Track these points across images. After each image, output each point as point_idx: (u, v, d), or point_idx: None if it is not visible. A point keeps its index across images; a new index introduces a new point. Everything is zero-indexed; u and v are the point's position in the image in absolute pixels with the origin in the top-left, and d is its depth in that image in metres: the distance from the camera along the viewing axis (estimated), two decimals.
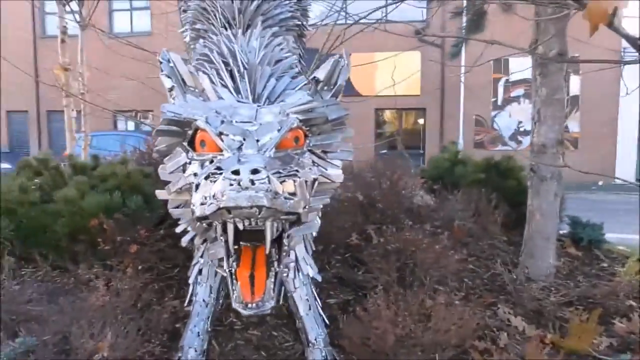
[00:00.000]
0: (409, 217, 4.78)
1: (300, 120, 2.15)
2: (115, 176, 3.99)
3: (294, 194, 1.82)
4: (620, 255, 5.02)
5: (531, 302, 3.80)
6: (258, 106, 2.17)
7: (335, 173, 2.29)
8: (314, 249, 3.48)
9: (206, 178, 1.82)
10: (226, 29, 3.20)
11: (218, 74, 2.41)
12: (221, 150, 1.98)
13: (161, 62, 2.37)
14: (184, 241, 2.85)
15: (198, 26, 3.56)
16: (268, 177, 1.70)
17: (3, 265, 3.84)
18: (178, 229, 2.88)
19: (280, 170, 1.87)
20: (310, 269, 3.29)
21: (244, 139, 1.97)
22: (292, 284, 3.22)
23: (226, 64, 2.50)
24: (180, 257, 3.88)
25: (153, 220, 3.95)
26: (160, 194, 2.25)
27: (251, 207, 1.66)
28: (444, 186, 5.21)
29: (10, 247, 3.91)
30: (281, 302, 3.58)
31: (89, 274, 3.64)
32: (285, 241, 2.05)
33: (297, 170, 1.95)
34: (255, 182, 1.67)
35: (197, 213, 1.81)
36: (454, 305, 3.38)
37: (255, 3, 3.36)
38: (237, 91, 2.33)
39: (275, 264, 2.06)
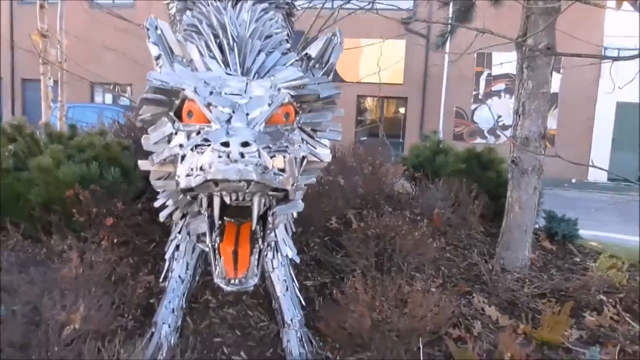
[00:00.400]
0: (389, 204, 4.80)
1: (292, 96, 2.10)
2: (92, 147, 3.87)
3: (283, 170, 1.77)
4: (593, 251, 5.12)
5: (505, 293, 3.85)
6: (248, 79, 2.12)
7: (324, 152, 2.25)
8: (294, 230, 3.46)
9: (192, 149, 1.77)
10: (216, 2, 3.12)
11: (207, 45, 2.33)
12: (209, 122, 1.92)
13: (148, 29, 2.29)
14: (162, 216, 2.79)
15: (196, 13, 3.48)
16: (258, 150, 1.66)
17: None
18: (156, 203, 2.82)
19: (270, 145, 1.82)
20: (289, 250, 3.26)
21: (233, 112, 1.92)
22: (271, 264, 3.19)
23: (215, 36, 2.43)
24: (157, 232, 3.81)
25: (130, 194, 3.86)
26: (143, 164, 2.17)
27: (240, 180, 1.61)
28: (424, 175, 5.22)
29: None
30: (259, 282, 3.57)
31: (62, 245, 3.54)
32: (270, 219, 2.01)
33: (286, 147, 1.91)
34: (245, 155, 1.62)
35: (182, 185, 1.76)
36: (431, 292, 3.40)
37: None
38: (226, 64, 2.26)
39: (260, 241, 2.03)
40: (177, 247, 3.13)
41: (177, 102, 2.06)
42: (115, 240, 3.55)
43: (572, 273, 4.40)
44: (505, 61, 16.50)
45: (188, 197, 1.87)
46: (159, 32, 2.27)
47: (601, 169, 3.85)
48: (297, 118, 2.18)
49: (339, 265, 3.82)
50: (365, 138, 16.13)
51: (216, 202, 1.79)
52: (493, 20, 5.90)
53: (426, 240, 3.80)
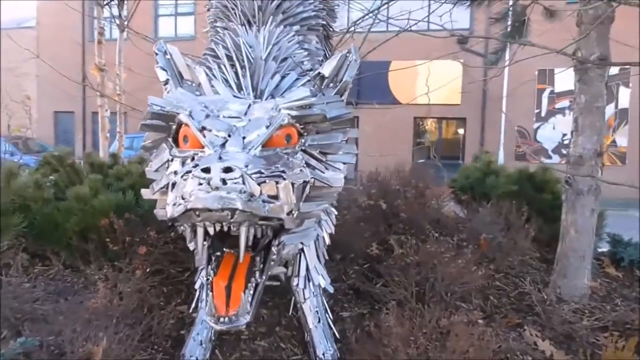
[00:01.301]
0: (435, 229, 4.55)
1: (294, 117, 1.98)
2: (130, 175, 3.91)
3: (275, 197, 1.65)
4: None
5: (561, 325, 3.51)
6: (253, 102, 2.02)
7: (334, 177, 2.08)
8: (326, 258, 3.31)
9: (182, 176, 1.67)
10: (245, 27, 3.07)
11: (220, 68, 2.26)
12: (204, 147, 1.83)
13: (157, 54, 2.25)
14: (190, 245, 2.72)
15: (218, 24, 3.46)
16: (242, 176, 1.54)
17: (16, 262, 3.80)
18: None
19: (263, 170, 1.70)
20: (321, 279, 3.11)
21: (229, 135, 1.82)
22: (302, 294, 3.05)
23: (229, 57, 2.36)
24: (191, 261, 3.74)
25: (166, 222, 3.85)
26: (146, 193, 2.11)
27: (222, 209, 1.50)
28: (473, 197, 4.95)
29: (23, 243, 3.86)
30: (291, 312, 3.43)
31: (99, 274, 3.56)
32: (274, 249, 1.88)
33: (282, 171, 1.78)
34: (227, 181, 1.51)
35: (168, 214, 1.67)
36: (476, 324, 3.14)
37: (275, 1, 3.23)
38: (239, 87, 2.18)
39: (257, 274, 1.89)
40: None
41: (175, 127, 1.99)
42: (148, 269, 3.53)
43: None
44: (568, 79, 15.94)
45: (179, 228, 1.77)
46: (167, 56, 2.22)
47: None
48: (302, 140, 2.05)
49: (378, 295, 3.61)
50: (422, 160, 15.78)
51: (199, 232, 1.68)
52: (549, 36, 5.61)
53: (470, 268, 3.55)
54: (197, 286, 3.13)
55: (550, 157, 16.87)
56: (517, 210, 4.42)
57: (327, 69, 2.27)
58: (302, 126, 2.03)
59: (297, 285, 3.03)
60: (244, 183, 1.53)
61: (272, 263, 1.90)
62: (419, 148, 17.44)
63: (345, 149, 2.18)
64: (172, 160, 1.97)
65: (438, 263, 3.56)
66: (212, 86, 2.12)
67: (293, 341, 3.34)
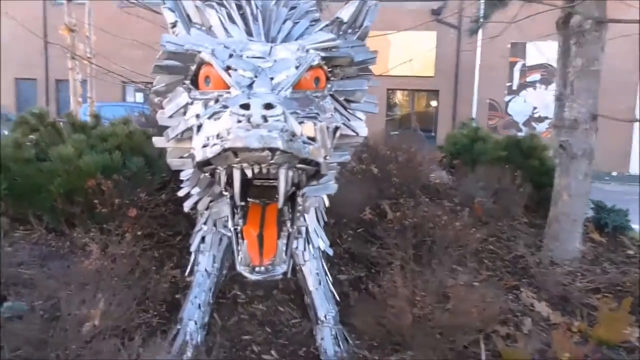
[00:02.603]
0: (426, 194, 4.53)
1: (322, 58, 1.86)
2: (115, 136, 3.73)
3: (313, 139, 1.52)
4: None
5: (556, 287, 3.54)
6: (272, 45, 1.89)
7: (360, 125, 1.99)
8: (325, 220, 3.23)
9: (210, 118, 1.53)
10: None
11: (229, 15, 2.12)
12: (228, 88, 1.69)
13: None
14: (187, 206, 2.60)
15: None
16: (284, 113, 1.41)
17: None
18: (180, 192, 2.64)
19: (298, 111, 1.57)
20: (321, 242, 3.04)
21: (256, 76, 1.68)
22: (302, 256, 2.97)
23: (238, 6, 2.21)
24: (182, 224, 3.65)
25: (155, 184, 3.71)
26: (158, 141, 1.96)
27: (263, 149, 1.38)
28: (459, 163, 4.93)
29: (3, 206, 3.66)
30: (289, 275, 3.36)
31: (85, 237, 3.40)
32: (299, 200, 1.77)
33: (317, 114, 1.65)
34: (268, 119, 1.38)
35: (198, 157, 1.52)
36: (475, 286, 3.14)
37: None
38: (250, 34, 2.05)
39: (288, 223, 1.78)
40: (203, 239, 2.93)
41: (193, 67, 1.84)
42: (139, 233, 3.39)
43: (628, 266, 4.06)
44: (539, 53, 16.07)
45: (207, 173, 1.65)
46: None
47: None
48: (329, 85, 1.93)
49: (374, 257, 3.57)
50: (396, 132, 15.81)
51: (236, 175, 1.53)
52: (529, 8, 5.58)
53: (468, 231, 3.54)
54: (192, 249, 3.02)
55: (520, 130, 17.08)
56: (507, 176, 4.42)
57: (345, 14, 2.15)
58: (329, 69, 1.91)
59: (297, 247, 2.95)
60: (285, 121, 1.41)
61: (297, 214, 1.80)
62: (391, 120, 17.42)
63: (367, 97, 2.08)
64: (192, 103, 1.81)
65: (435, 226, 3.54)
66: (226, 30, 1.98)
67: (291, 304, 3.28)
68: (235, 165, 1.49)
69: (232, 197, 1.66)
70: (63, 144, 3.63)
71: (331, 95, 1.92)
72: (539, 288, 3.56)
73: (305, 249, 2.98)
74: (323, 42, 1.91)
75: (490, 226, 4.18)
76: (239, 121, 1.38)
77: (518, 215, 4.56)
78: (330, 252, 3.17)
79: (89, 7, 8.48)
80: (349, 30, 2.16)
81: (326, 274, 3.10)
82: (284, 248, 1.73)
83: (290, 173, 1.55)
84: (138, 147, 3.77)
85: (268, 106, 1.41)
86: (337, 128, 1.84)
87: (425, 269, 3.22)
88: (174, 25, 2.08)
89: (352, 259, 3.72)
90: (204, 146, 1.48)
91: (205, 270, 2.90)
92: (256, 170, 1.50)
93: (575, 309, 3.37)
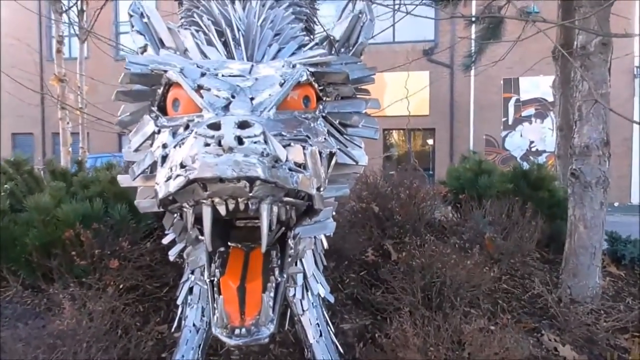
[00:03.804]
0: (431, 232, 4.26)
1: (312, 75, 1.60)
2: (98, 182, 3.48)
3: (303, 166, 1.24)
4: None
5: (579, 328, 3.24)
6: (254, 63, 1.63)
7: (359, 153, 1.71)
8: (325, 264, 2.94)
9: (176, 146, 1.25)
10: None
11: (207, 40, 1.89)
12: (201, 111, 1.41)
13: (131, 16, 1.86)
14: (172, 254, 2.33)
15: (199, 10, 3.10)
16: (264, 133, 1.14)
17: None
18: (165, 240, 2.38)
19: (284, 133, 1.31)
20: (321, 288, 2.74)
21: (233, 97, 1.41)
22: (300, 305, 2.67)
23: (219, 32, 1.98)
24: (170, 275, 3.37)
25: (140, 232, 3.43)
26: (123, 179, 1.67)
27: (238, 179, 1.10)
28: (467, 198, 4.67)
29: None
30: (287, 327, 3.05)
31: (64, 293, 3.10)
32: (290, 242, 1.48)
33: (307, 136, 1.37)
34: (244, 140, 1.11)
35: (160, 194, 1.23)
36: (492, 330, 2.84)
37: None
38: (231, 58, 1.82)
39: (277, 272, 1.46)
40: (191, 290, 2.64)
41: (160, 90, 1.58)
42: (121, 286, 3.10)
43: None
44: (533, 87, 16.14)
45: (174, 213, 1.36)
46: (145, 19, 1.85)
47: None
48: (321, 106, 1.65)
49: (380, 303, 3.27)
50: (393, 172, 15.61)
51: (206, 214, 1.22)
52: (518, 46, 5.46)
53: (480, 270, 3.26)
54: (179, 302, 2.72)
55: (519, 165, 16.93)
56: (517, 210, 4.16)
57: (337, 31, 1.93)
58: (321, 88, 1.65)
59: (294, 295, 2.66)
60: (266, 142, 1.14)
61: (289, 260, 1.51)
62: (389, 159, 17.29)
63: (366, 121, 1.81)
64: (158, 132, 1.52)
65: (444, 266, 3.25)
66: (203, 53, 1.74)
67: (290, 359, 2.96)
68: (204, 201, 1.20)
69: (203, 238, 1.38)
70: (41, 193, 3.38)
71: (324, 117, 1.65)
72: (561, 329, 3.25)
73: (303, 297, 2.69)
74: (312, 57, 1.66)
75: (503, 264, 3.89)
76: (207, 144, 1.11)
77: (530, 251, 4.28)
78: (332, 299, 2.88)
79: (80, 57, 8.41)
80: (342, 50, 1.93)
81: (328, 323, 2.80)
82: (271, 303, 1.39)
83: (275, 209, 1.25)
84: (122, 193, 3.50)
85: (244, 125, 1.14)
86: (332, 154, 1.55)
87: (436, 314, 2.92)
88: (144, 50, 1.84)
89: (356, 305, 3.42)
90: (168, 179, 1.20)
91: (193, 324, 2.60)
92: (231, 206, 1.20)
93: (603, 352, 3.05)
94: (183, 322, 2.64)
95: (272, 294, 1.41)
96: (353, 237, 3.90)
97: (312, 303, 2.70)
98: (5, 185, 3.42)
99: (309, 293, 2.69)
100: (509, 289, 3.72)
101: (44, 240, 3.19)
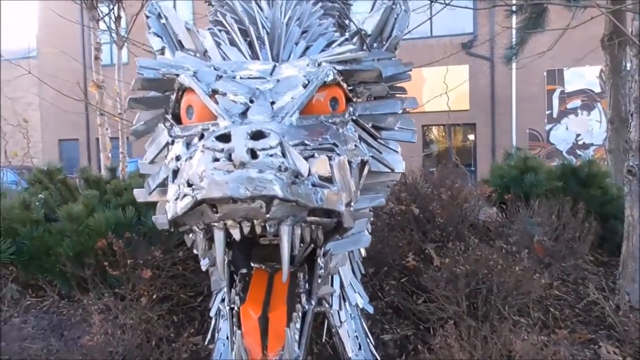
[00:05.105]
0: (475, 234, 4.05)
1: (340, 74, 1.45)
2: (130, 189, 3.42)
3: (329, 180, 1.10)
4: None
5: None
6: (277, 63, 1.49)
7: (395, 159, 1.55)
8: (362, 272, 2.79)
9: (188, 160, 1.11)
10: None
11: (230, 39, 1.76)
12: (216, 119, 1.27)
13: (148, 17, 1.76)
14: (203, 265, 2.23)
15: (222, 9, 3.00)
16: (281, 144, 1.00)
17: (4, 294, 3.33)
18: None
19: (308, 142, 1.15)
20: (359, 298, 2.60)
21: (252, 101, 1.27)
22: (337, 317, 2.53)
23: (242, 30, 1.85)
24: (204, 283, 3.27)
25: (173, 240, 3.36)
26: (139, 194, 1.57)
27: (253, 198, 0.97)
28: (512, 197, 4.43)
29: (13, 272, 3.38)
30: (324, 339, 2.91)
31: (98, 304, 3.06)
32: (320, 261, 1.33)
33: (334, 144, 1.22)
34: (258, 153, 0.98)
35: (169, 214, 1.11)
36: (545, 343, 2.63)
37: None
38: (256, 58, 1.69)
39: (304, 298, 1.31)
40: (223, 300, 2.54)
41: (174, 96, 1.45)
42: (154, 296, 3.03)
43: None
44: (578, 79, 15.57)
45: (188, 233, 1.24)
46: (162, 21, 1.74)
47: None
48: (350, 108, 1.48)
49: (422, 312, 3.10)
50: (434, 169, 15.34)
51: (218, 238, 1.09)
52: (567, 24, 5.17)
53: (530, 276, 3.04)
54: (212, 313, 2.63)
55: (565, 159, 16.35)
56: (568, 210, 3.90)
57: (369, 25, 1.78)
58: (350, 88, 1.50)
59: (331, 306, 2.52)
60: (284, 155, 1.00)
61: (319, 281, 1.37)
62: (429, 156, 16.99)
63: (402, 122, 1.63)
64: (172, 143, 1.40)
65: (490, 272, 3.06)
66: (224, 54, 1.61)
67: None
68: (215, 224, 1.07)
69: (230, 262, 1.26)
70: (74, 202, 3.35)
71: (354, 121, 1.48)
72: (621, 340, 3.00)
73: (341, 308, 2.54)
74: (340, 53, 1.50)
75: (553, 268, 3.65)
76: (216, 159, 0.98)
77: (583, 254, 4.01)
78: (371, 309, 2.73)
79: (118, 63, 8.50)
80: (375, 44, 1.78)
81: (367, 335, 2.66)
82: (297, 336, 1.23)
83: (298, 231, 1.10)
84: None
85: (257, 135, 1.00)
86: (364, 163, 1.40)
87: (483, 325, 2.73)
88: (161, 52, 1.73)
89: (397, 314, 3.26)
90: (177, 198, 1.07)
91: (227, 337, 2.49)
92: (246, 229, 1.06)
93: None
94: (217, 334, 2.55)
95: (298, 325, 1.26)
96: (392, 241, 3.73)
97: (350, 314, 2.57)
98: (40, 195, 3.41)
99: (347, 303, 2.55)
100: (561, 296, 3.48)
101: (77, 250, 3.16)
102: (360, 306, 2.61)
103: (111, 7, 8.15)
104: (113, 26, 8.32)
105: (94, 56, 8.14)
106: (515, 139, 16.68)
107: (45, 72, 19.06)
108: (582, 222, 3.72)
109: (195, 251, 1.90)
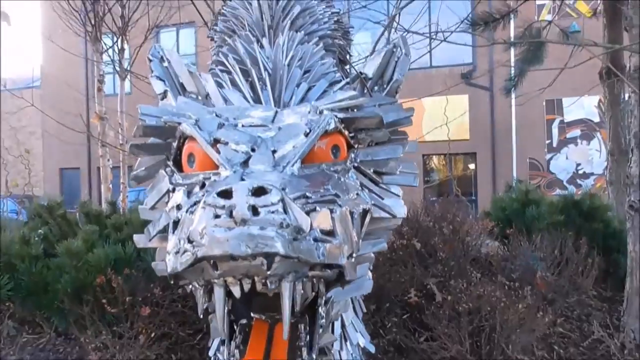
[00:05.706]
0: (477, 269, 4.01)
1: (342, 121, 1.46)
2: (130, 224, 3.42)
3: (331, 234, 1.09)
4: None
5: None
6: (278, 109, 1.49)
7: (396, 204, 1.52)
8: (364, 310, 2.76)
9: (189, 210, 1.10)
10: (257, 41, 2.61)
11: (232, 81, 1.77)
12: (217, 168, 1.27)
13: (150, 60, 1.77)
14: (200, 311, 2.20)
15: (224, 49, 3.02)
16: (283, 200, 1.00)
17: (1, 331, 3.28)
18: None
19: (309, 194, 1.15)
20: (360, 337, 2.55)
21: (253, 150, 1.28)
22: (339, 357, 2.49)
23: (244, 72, 1.86)
24: (203, 321, 3.23)
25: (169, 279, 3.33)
26: (139, 239, 1.56)
27: (254, 255, 0.96)
28: (514, 231, 4.41)
29: (10, 308, 3.35)
30: None
31: (95, 342, 3.02)
32: (321, 310, 1.29)
33: (336, 195, 1.21)
34: (260, 210, 0.97)
35: (169, 268, 1.08)
36: None
37: (288, 19, 2.79)
38: (258, 101, 1.69)
39: (305, 351, 1.28)
40: (223, 342, 2.49)
41: (175, 144, 1.44)
42: (153, 334, 2.99)
43: None
44: (577, 108, 15.67)
45: (189, 286, 1.23)
46: (165, 64, 1.75)
47: None
48: (352, 155, 1.48)
49: (425, 351, 3.05)
50: (434, 199, 15.35)
51: (218, 296, 1.07)
52: (561, 66, 5.21)
53: (534, 313, 3.01)
54: (210, 353, 2.58)
55: (566, 189, 16.36)
56: (570, 243, 3.88)
57: (369, 69, 1.78)
58: (351, 134, 1.51)
59: (332, 346, 2.48)
60: (285, 212, 0.99)
61: (320, 331, 1.34)
62: (430, 187, 17.01)
63: (404, 167, 1.62)
64: (173, 190, 1.39)
65: (493, 309, 3.02)
66: (225, 97, 1.62)
67: None
68: (216, 281, 1.05)
69: (229, 312, 1.24)
70: (74, 237, 3.34)
71: (356, 168, 1.47)
72: None
73: (342, 348, 2.49)
74: (341, 100, 1.50)
75: (557, 304, 3.61)
76: (217, 216, 0.97)
77: (586, 289, 3.97)
78: (372, 349, 2.68)
79: (121, 94, 8.59)
80: (376, 88, 1.78)
81: None
82: None
83: (299, 286, 1.09)
84: None
85: (259, 191, 1.00)
86: (365, 212, 1.38)
87: None
88: (163, 96, 1.74)
89: (399, 353, 3.21)
90: (177, 253, 1.05)
91: None
92: (247, 287, 1.05)
93: None
94: None
95: None
96: (394, 277, 3.70)
97: (352, 354, 2.52)
98: (39, 230, 3.40)
99: (348, 343, 2.50)
100: (565, 333, 3.44)
101: (75, 286, 3.14)
102: (362, 346, 2.56)
103: (115, 39, 8.29)
104: (116, 57, 8.46)
105: (97, 88, 8.23)
106: (516, 168, 16.70)
107: (48, 102, 19.28)
108: (585, 257, 3.69)
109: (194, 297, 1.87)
